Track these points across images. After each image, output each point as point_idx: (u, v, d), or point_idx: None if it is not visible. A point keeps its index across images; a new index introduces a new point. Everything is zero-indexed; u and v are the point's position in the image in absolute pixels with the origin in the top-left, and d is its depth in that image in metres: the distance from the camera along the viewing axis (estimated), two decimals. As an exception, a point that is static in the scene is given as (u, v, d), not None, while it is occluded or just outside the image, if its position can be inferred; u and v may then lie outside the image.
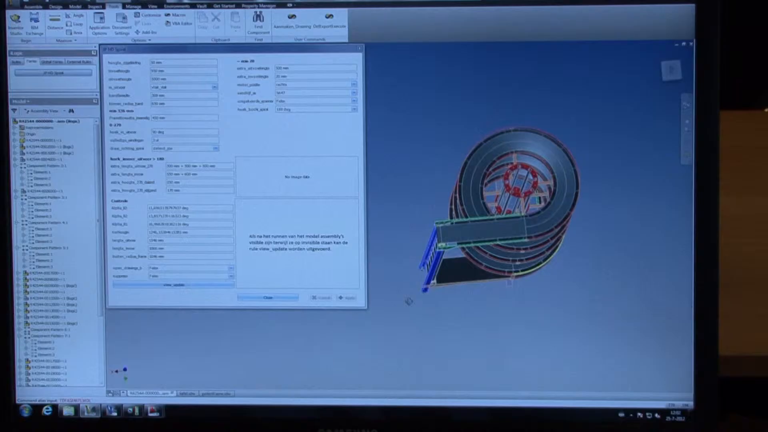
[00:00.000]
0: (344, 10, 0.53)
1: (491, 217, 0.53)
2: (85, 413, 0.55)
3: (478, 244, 0.53)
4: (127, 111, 0.54)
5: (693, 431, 0.53)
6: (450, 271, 0.53)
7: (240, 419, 0.54)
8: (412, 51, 0.53)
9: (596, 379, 0.53)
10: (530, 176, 0.52)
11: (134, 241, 0.54)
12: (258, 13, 0.53)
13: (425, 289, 0.53)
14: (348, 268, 0.53)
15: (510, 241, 0.53)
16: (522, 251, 0.53)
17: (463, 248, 0.53)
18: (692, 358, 0.53)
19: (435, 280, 0.53)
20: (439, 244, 0.53)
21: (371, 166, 0.53)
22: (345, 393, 0.54)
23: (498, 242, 0.52)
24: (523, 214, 0.52)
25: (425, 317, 0.53)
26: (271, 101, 0.53)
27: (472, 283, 0.53)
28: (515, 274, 0.53)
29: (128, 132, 0.54)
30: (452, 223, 0.52)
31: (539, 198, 0.52)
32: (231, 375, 0.54)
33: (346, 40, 0.53)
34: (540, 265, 0.53)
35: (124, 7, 0.53)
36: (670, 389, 0.53)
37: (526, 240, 0.52)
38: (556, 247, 0.53)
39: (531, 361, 0.53)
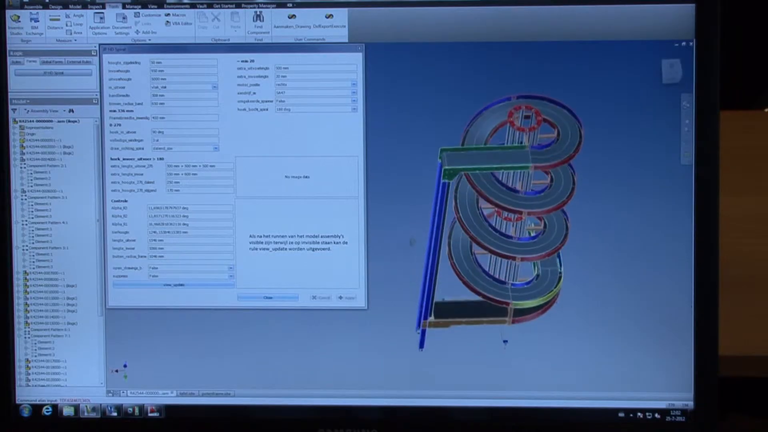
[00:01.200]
0: (344, 10, 0.53)
1: (496, 146, 0.52)
2: (85, 413, 0.55)
3: (483, 171, 0.52)
4: (127, 111, 0.54)
5: (693, 431, 0.53)
6: (447, 310, 0.53)
7: (240, 419, 0.54)
8: (412, 51, 0.53)
9: (596, 379, 0.53)
10: (534, 115, 0.52)
11: (134, 241, 0.54)
12: (258, 13, 0.53)
13: (422, 340, 0.53)
14: (348, 268, 0.53)
15: (514, 166, 0.52)
16: (525, 227, 0.52)
17: (457, 271, 0.53)
18: (692, 358, 0.53)
19: (432, 317, 0.53)
20: (445, 168, 0.52)
21: (371, 166, 0.53)
22: (345, 393, 0.54)
23: (503, 167, 0.52)
24: (527, 145, 0.52)
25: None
26: (271, 101, 0.53)
27: (469, 323, 0.53)
28: (514, 305, 0.53)
29: (128, 132, 0.54)
30: (458, 150, 0.52)
31: (544, 138, 0.52)
32: (231, 375, 0.54)
33: (346, 40, 0.53)
34: (538, 300, 0.53)
35: (124, 7, 0.53)
36: (670, 389, 0.53)
37: (530, 170, 0.52)
38: (556, 280, 0.53)
39: (531, 361, 0.53)
